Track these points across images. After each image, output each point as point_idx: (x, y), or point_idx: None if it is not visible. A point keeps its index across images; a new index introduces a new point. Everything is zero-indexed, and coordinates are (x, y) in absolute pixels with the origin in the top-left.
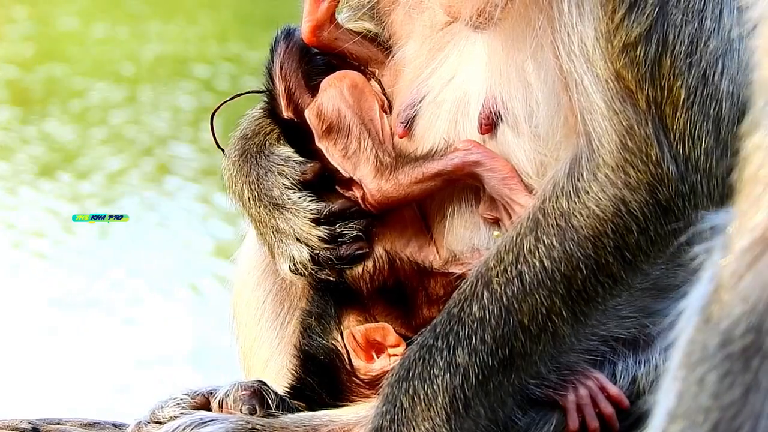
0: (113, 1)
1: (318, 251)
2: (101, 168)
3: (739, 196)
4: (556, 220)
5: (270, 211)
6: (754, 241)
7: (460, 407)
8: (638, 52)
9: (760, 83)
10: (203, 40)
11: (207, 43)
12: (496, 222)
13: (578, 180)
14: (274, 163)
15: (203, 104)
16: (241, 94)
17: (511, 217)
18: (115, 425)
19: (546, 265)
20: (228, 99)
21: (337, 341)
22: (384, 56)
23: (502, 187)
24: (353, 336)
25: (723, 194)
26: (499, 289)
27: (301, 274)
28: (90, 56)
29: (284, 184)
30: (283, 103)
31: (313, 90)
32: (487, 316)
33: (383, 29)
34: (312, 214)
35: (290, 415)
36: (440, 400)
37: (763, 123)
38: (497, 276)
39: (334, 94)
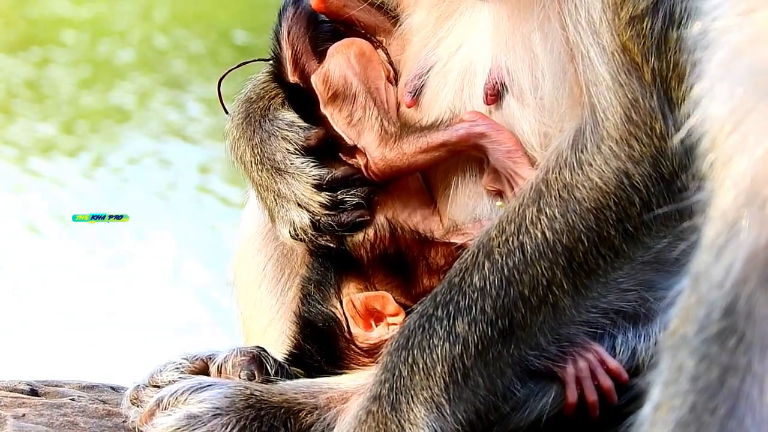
0: None
1: (319, 217)
2: None
3: (708, 180)
4: (558, 192)
5: (272, 175)
6: (721, 228)
7: (459, 377)
8: (645, 25)
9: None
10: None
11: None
12: (499, 194)
13: (582, 152)
14: (278, 127)
15: None
16: (248, 62)
17: (513, 190)
18: (113, 388)
19: (548, 236)
20: (235, 66)
21: (337, 308)
22: (391, 25)
23: (506, 159)
24: (353, 303)
25: None
26: (500, 260)
27: (301, 240)
28: None
29: (287, 149)
30: (289, 68)
31: (320, 56)
32: (488, 287)
33: None
34: (314, 179)
35: (289, 382)
36: (439, 369)
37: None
38: (499, 246)
39: (342, 60)
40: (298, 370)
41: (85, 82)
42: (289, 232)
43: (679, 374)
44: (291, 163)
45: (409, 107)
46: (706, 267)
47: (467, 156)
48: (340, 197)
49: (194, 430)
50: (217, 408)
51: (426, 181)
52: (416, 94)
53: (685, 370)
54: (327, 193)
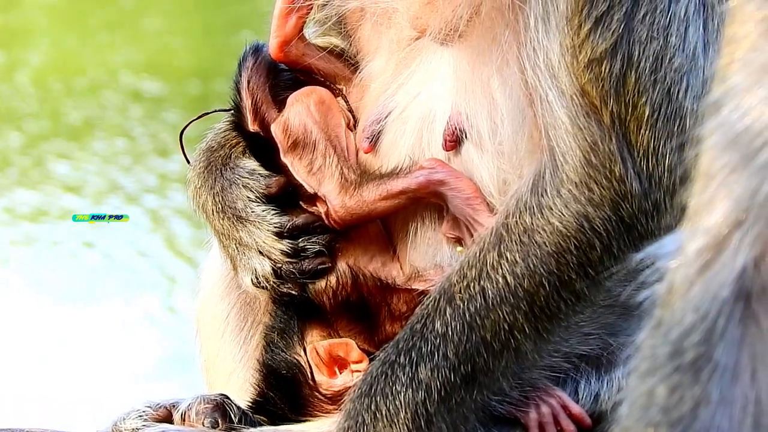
0: None
1: (280, 265)
2: None
3: (693, 196)
4: (519, 236)
5: (233, 223)
6: (705, 245)
7: (422, 423)
8: (603, 68)
9: (718, 72)
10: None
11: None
12: (459, 241)
13: (542, 196)
14: (239, 175)
15: None
16: (209, 113)
17: (472, 237)
18: None
19: (509, 281)
20: (196, 117)
21: (300, 356)
22: (351, 72)
23: (465, 207)
24: (316, 351)
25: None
26: (461, 305)
27: (263, 288)
28: None
29: (248, 197)
30: (249, 117)
31: (280, 105)
32: (450, 332)
33: (350, 45)
34: (275, 227)
35: (252, 429)
36: (402, 416)
37: (713, 116)
38: (460, 292)
39: (301, 109)
40: (262, 417)
41: None
42: (251, 280)
43: (649, 401)
44: (252, 211)
45: (366, 153)
46: (687, 284)
47: (426, 203)
48: (301, 245)
49: None
50: None
51: (386, 227)
52: (374, 140)
53: (657, 398)
54: (288, 240)
